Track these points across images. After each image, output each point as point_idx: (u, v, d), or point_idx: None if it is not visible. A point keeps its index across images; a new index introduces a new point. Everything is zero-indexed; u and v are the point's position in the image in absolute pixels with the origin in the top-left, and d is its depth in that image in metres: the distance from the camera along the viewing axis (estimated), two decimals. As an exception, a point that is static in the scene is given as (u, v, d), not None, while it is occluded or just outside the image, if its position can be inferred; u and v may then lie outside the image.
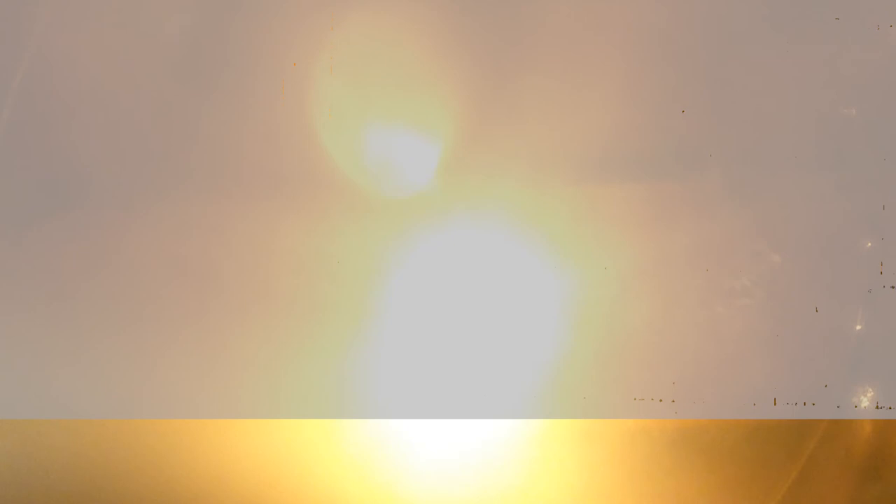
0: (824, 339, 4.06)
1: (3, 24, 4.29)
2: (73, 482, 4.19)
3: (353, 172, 4.21)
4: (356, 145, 4.20)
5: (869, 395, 4.06)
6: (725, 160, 4.09)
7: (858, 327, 4.06)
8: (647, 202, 4.12)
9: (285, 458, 4.17)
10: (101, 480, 4.17)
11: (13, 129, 4.32)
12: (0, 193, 4.32)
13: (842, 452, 4.05)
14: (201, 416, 4.19)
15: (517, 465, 4.15)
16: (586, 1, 4.09)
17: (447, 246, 4.20)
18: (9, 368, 4.25)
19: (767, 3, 4.07)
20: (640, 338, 4.09)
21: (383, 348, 4.18)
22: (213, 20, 4.24)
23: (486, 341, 4.18)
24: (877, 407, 4.05)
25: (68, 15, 4.28)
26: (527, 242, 4.16)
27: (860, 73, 4.05)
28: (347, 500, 4.15)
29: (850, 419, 4.05)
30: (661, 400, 4.10)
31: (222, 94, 4.21)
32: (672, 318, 4.07)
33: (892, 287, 4.04)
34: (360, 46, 4.17)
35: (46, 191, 4.32)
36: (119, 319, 4.23)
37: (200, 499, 4.14)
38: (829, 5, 4.05)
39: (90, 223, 4.27)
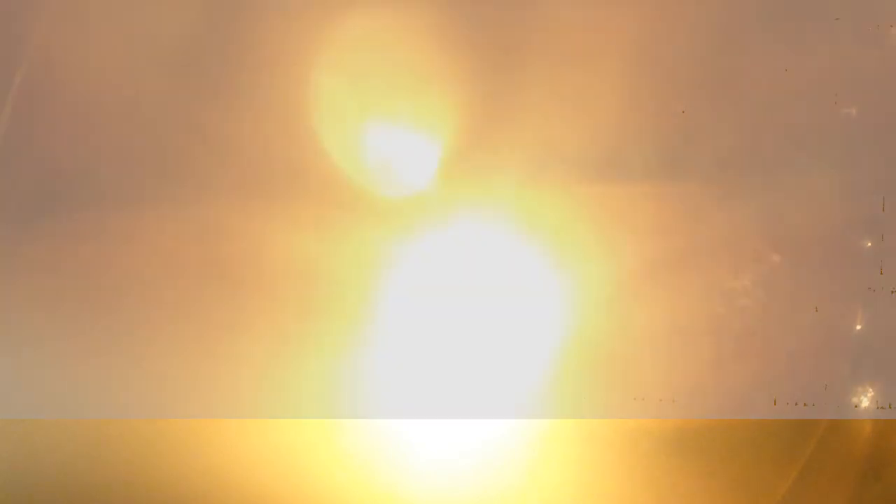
0: (824, 339, 4.05)
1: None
2: (73, 482, 4.16)
3: (352, 171, 4.23)
4: (355, 144, 4.21)
5: (869, 395, 4.05)
6: (726, 161, 4.08)
7: (858, 327, 4.05)
8: (647, 202, 4.11)
9: (285, 458, 4.15)
10: (100, 481, 4.15)
11: (10, 129, 4.34)
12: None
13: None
14: (202, 416, 4.18)
15: (517, 465, 4.14)
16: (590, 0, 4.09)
17: (448, 245, 4.20)
18: (8, 368, 4.23)
19: (768, 3, 4.08)
20: (640, 338, 4.07)
21: (384, 349, 4.17)
22: (209, 17, 4.24)
23: (486, 342, 4.17)
24: (877, 407, 4.05)
25: (62, 14, 4.29)
26: (527, 242, 4.16)
27: (860, 73, 4.05)
28: (347, 501, 4.13)
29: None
30: (661, 400, 4.07)
31: (218, 91, 4.24)
32: (672, 319, 4.05)
33: (893, 290, 4.04)
34: (360, 43, 4.18)
35: (39, 192, 4.32)
36: (117, 320, 4.23)
37: (200, 499, 4.11)
38: (828, 5, 4.06)
39: (87, 224, 4.27)
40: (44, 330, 4.22)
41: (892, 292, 4.02)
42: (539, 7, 4.15)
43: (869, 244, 4.04)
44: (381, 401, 4.15)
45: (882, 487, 4.02)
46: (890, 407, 4.03)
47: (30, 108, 4.30)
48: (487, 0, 4.15)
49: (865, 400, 4.05)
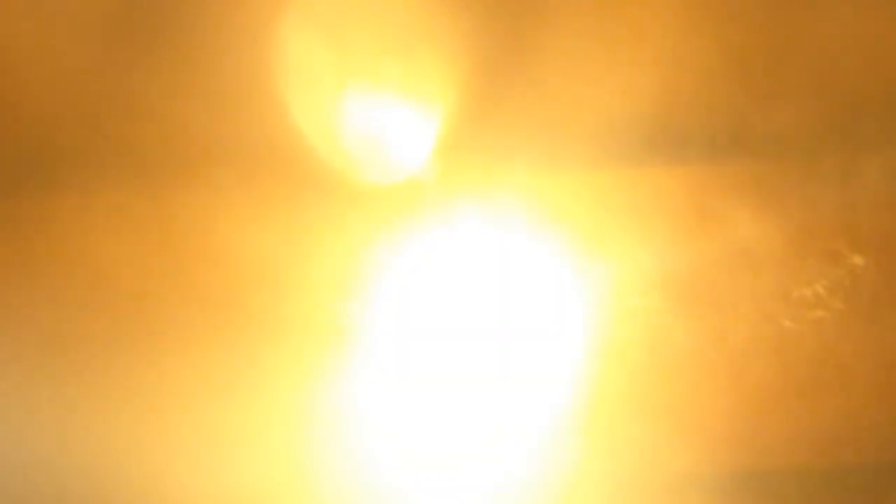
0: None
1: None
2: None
3: (330, 152, 3.92)
4: (334, 117, 3.89)
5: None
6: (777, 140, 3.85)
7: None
8: (685, 189, 3.88)
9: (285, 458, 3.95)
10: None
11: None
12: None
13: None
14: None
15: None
16: None
17: (448, 242, 3.96)
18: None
19: None
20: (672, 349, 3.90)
21: (370, 371, 3.89)
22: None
23: (493, 355, 3.93)
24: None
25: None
26: (543, 238, 3.94)
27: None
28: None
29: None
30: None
31: (170, 56, 3.85)
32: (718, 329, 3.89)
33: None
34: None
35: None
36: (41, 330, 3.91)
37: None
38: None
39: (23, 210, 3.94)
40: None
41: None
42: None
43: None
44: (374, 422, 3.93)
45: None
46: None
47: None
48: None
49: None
